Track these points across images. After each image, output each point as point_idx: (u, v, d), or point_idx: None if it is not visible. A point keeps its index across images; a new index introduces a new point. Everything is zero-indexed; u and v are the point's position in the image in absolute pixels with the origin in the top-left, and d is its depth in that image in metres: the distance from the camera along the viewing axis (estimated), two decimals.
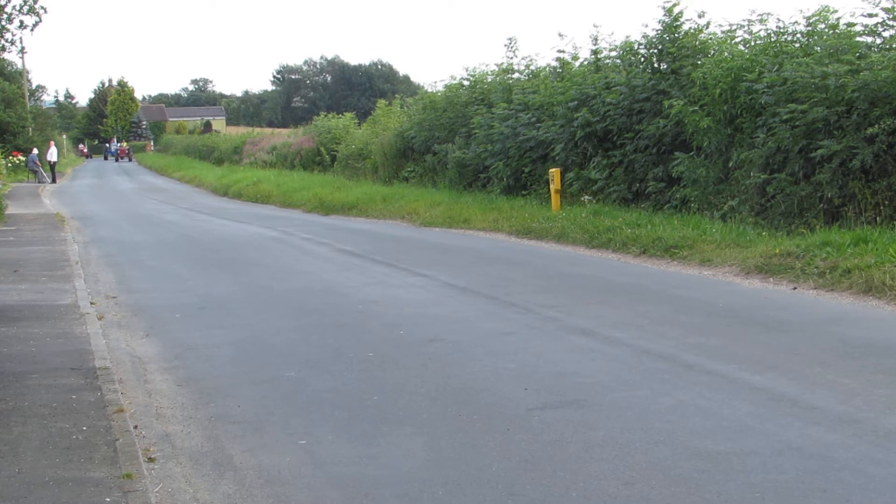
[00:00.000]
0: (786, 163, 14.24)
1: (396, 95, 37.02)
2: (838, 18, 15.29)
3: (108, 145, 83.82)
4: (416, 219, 20.89)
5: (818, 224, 13.22)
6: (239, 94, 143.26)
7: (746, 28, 17.28)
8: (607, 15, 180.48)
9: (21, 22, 22.08)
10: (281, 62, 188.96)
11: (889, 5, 14.23)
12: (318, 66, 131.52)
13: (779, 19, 16.56)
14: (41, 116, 63.75)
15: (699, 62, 17.39)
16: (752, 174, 14.78)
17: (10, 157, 42.00)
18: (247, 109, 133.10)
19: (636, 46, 19.43)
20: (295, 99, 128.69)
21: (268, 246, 17.33)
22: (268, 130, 71.02)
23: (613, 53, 20.64)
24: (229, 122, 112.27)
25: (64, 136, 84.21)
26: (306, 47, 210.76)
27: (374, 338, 9.00)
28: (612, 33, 35.54)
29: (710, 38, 18.12)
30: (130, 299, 11.83)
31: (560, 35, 26.64)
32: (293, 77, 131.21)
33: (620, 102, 18.69)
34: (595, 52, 21.37)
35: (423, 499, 5.06)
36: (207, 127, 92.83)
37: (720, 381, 7.03)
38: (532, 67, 25.16)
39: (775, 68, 14.98)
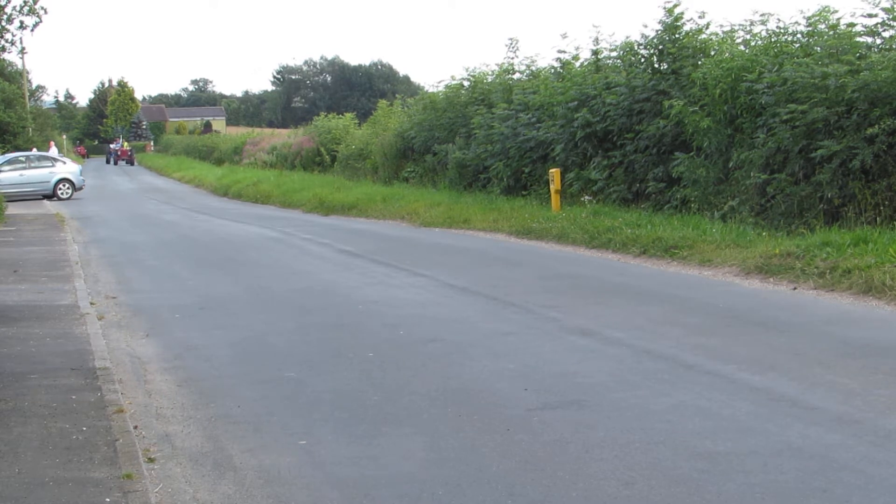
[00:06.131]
0: (786, 163, 14.24)
1: (397, 96, 37.00)
2: (838, 19, 15.30)
3: (111, 146, 79.87)
4: (416, 219, 20.89)
5: (818, 224, 13.22)
6: (239, 94, 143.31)
7: (747, 28, 17.30)
8: (608, 15, 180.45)
9: (21, 22, 21.99)
10: (281, 62, 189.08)
11: (889, 5, 14.23)
12: (318, 66, 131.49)
13: (779, 19, 16.59)
14: (41, 117, 63.65)
15: (699, 62, 17.39)
16: (752, 174, 14.77)
17: None
18: (247, 110, 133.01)
19: (636, 47, 19.43)
20: (295, 99, 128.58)
21: (268, 246, 17.34)
22: (268, 131, 70.82)
23: (614, 54, 20.64)
24: (229, 123, 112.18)
25: (64, 137, 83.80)
26: (306, 47, 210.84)
27: (374, 338, 9.00)
28: (613, 34, 35.49)
29: (711, 39, 18.12)
30: (130, 299, 11.83)
31: (562, 35, 26.76)
32: (293, 77, 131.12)
33: (620, 103, 18.69)
34: (595, 53, 21.37)
35: (423, 499, 5.06)
36: (207, 127, 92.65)
37: (720, 381, 7.03)
38: (533, 68, 25.15)
39: (775, 68, 14.98)
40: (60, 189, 34.22)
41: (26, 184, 33.81)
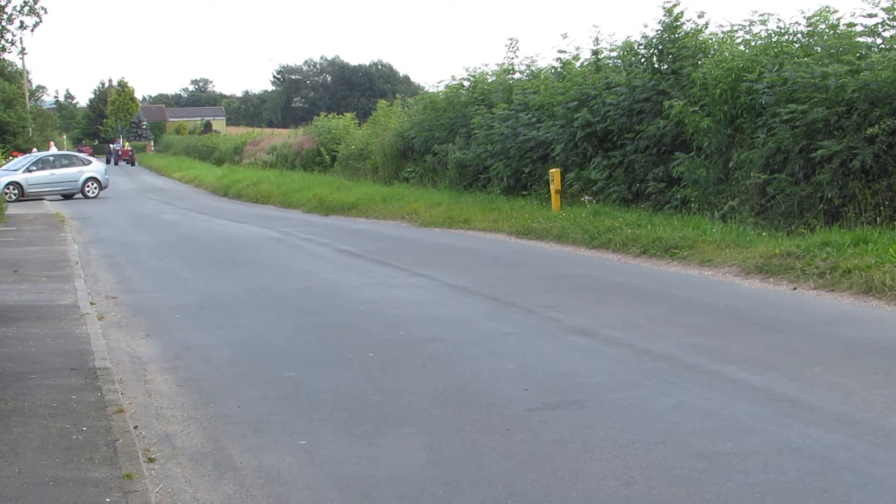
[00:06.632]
0: (786, 163, 14.24)
1: (397, 95, 37.01)
2: (838, 19, 15.29)
3: (112, 146, 79.65)
4: (417, 219, 20.89)
5: (818, 224, 13.22)
6: (239, 94, 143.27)
7: (747, 28, 17.30)
8: (608, 15, 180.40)
9: (21, 22, 22.03)
10: (281, 62, 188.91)
11: (889, 5, 14.23)
12: (318, 66, 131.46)
13: (779, 20, 16.56)
14: (41, 117, 63.76)
15: (699, 62, 17.39)
16: (752, 174, 14.77)
17: (11, 157, 42.04)
18: (247, 110, 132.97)
19: (636, 47, 19.43)
20: (295, 99, 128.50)
21: (268, 246, 17.34)
22: (268, 131, 70.79)
23: (614, 54, 20.64)
24: (229, 123, 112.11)
25: (64, 137, 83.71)
26: (306, 47, 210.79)
27: (374, 338, 9.00)
28: (613, 34, 35.49)
29: (711, 39, 18.12)
30: (130, 299, 11.84)
31: (563, 35, 26.78)
32: (293, 77, 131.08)
33: (620, 103, 18.69)
34: (595, 53, 21.38)
35: (423, 499, 5.06)
36: (207, 127, 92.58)
37: (720, 381, 7.03)
38: (533, 68, 25.16)
39: (775, 68, 14.98)
40: (88, 188, 35.16)
41: (57, 182, 34.85)
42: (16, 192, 33.22)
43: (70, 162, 36.11)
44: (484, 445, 5.84)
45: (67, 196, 34.80)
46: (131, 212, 27.99)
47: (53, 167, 35.14)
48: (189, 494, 5.28)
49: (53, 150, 49.09)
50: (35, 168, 34.66)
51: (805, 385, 6.80)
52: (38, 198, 33.65)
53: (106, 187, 36.12)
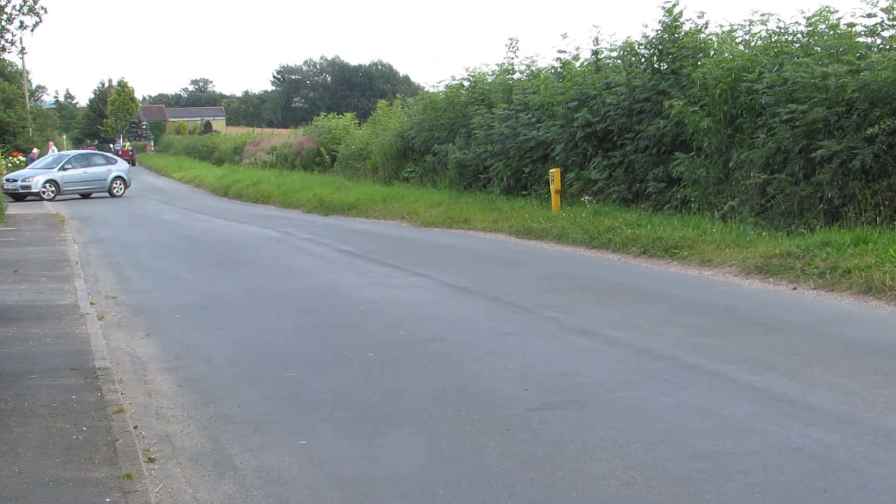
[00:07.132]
0: (786, 163, 14.24)
1: (397, 95, 37.01)
2: (838, 19, 15.29)
3: (113, 146, 79.77)
4: (417, 219, 20.89)
5: (818, 224, 13.22)
6: (239, 94, 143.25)
7: (747, 28, 17.30)
8: (608, 15, 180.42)
9: (21, 22, 22.00)
10: (281, 62, 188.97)
11: (888, 5, 14.24)
12: (318, 66, 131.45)
13: (779, 20, 16.56)
14: (41, 117, 63.70)
15: (699, 62, 17.39)
16: (752, 174, 14.77)
17: (11, 158, 42.02)
18: (247, 110, 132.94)
19: (636, 47, 19.42)
20: (295, 99, 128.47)
21: (268, 246, 17.34)
22: (268, 131, 70.74)
23: (614, 54, 20.64)
24: (229, 123, 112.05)
25: (64, 137, 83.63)
26: (306, 47, 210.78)
27: (374, 338, 9.00)
28: (614, 34, 35.51)
29: (711, 39, 18.12)
30: (130, 299, 11.84)
31: (562, 35, 26.76)
32: (293, 77, 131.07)
33: (620, 103, 18.68)
34: (595, 53, 21.37)
35: (423, 499, 5.06)
36: (207, 127, 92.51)
37: (720, 381, 7.03)
38: (533, 68, 25.15)
39: (775, 68, 14.98)
40: (115, 186, 35.90)
41: (88, 181, 35.71)
42: (53, 189, 34.09)
43: (99, 161, 36.93)
44: (484, 445, 5.84)
45: (86, 195, 35.36)
46: (131, 212, 28.00)
47: (85, 166, 35.96)
48: (189, 494, 5.29)
49: (53, 150, 49.03)
50: (69, 166, 35.47)
51: (805, 385, 6.80)
52: (72, 194, 34.66)
53: (129, 186, 36.76)
